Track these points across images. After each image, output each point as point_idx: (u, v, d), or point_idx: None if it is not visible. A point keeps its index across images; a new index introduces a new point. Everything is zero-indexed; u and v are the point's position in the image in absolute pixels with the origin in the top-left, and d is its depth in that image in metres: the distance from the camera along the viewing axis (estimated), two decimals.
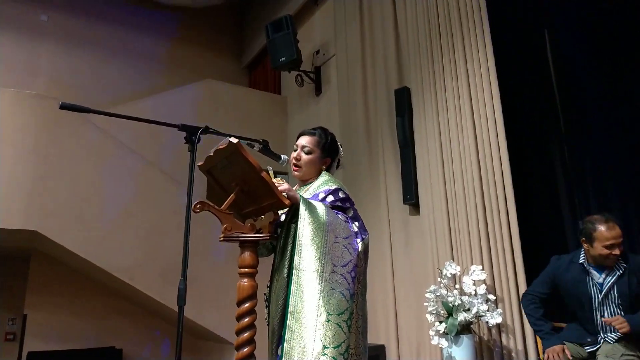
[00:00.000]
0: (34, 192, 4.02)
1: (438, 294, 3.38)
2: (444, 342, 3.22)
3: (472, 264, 3.48)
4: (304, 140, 1.98)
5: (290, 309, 1.60)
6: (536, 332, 2.69)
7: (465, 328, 3.24)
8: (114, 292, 5.03)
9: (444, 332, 3.25)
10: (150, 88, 6.31)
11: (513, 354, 3.25)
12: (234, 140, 1.61)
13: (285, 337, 1.59)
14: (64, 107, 1.39)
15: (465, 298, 3.26)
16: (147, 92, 6.11)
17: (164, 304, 4.38)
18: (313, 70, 5.89)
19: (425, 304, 3.45)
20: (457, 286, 3.41)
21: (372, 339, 4.19)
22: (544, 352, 2.56)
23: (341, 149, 2.08)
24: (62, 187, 4.14)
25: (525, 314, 2.77)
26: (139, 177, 4.60)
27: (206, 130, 1.73)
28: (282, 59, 5.54)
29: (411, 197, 4.14)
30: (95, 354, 4.79)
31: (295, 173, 1.97)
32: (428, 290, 3.44)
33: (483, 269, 3.38)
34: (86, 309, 4.99)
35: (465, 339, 3.20)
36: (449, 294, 3.33)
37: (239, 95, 6.30)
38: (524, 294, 2.79)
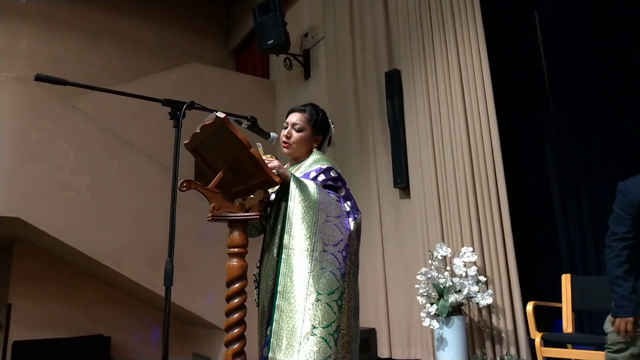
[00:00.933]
0: (15, 178, 3.90)
1: (429, 276, 3.38)
2: (435, 324, 3.22)
3: (462, 246, 3.48)
4: (295, 118, 1.91)
5: (279, 288, 1.56)
6: (612, 291, 2.20)
7: (456, 309, 3.25)
8: (101, 279, 4.95)
9: (435, 313, 3.25)
10: (135, 72, 6.16)
11: (503, 335, 3.27)
12: (220, 114, 1.55)
13: (274, 317, 1.55)
14: (39, 78, 1.31)
15: (456, 280, 3.26)
16: (132, 76, 5.97)
17: (153, 291, 4.32)
18: (301, 54, 5.80)
19: (417, 286, 3.45)
20: (448, 268, 3.41)
21: (363, 322, 4.17)
22: (614, 316, 2.17)
23: (332, 125, 2.03)
24: (44, 172, 4.03)
25: (607, 269, 2.26)
26: (124, 162, 4.50)
27: (191, 105, 1.66)
28: (270, 42, 5.44)
29: (402, 180, 4.12)
30: (83, 342, 4.71)
31: (285, 150, 1.91)
32: (419, 272, 3.44)
33: (474, 251, 3.38)
34: (73, 296, 4.90)
35: (456, 320, 3.21)
36: (439, 275, 3.33)
37: (226, 79, 6.19)
38: (606, 244, 2.24)
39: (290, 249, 1.57)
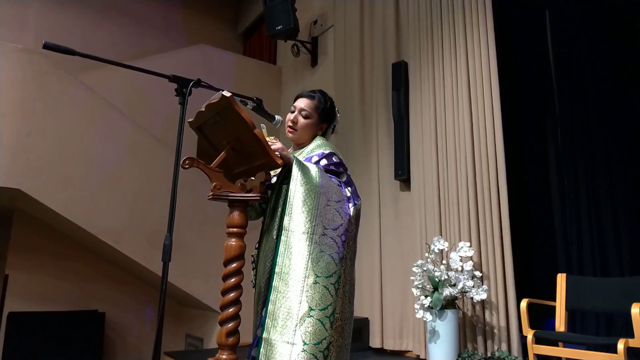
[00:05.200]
0: (18, 149, 3.91)
1: (425, 268, 3.39)
2: (428, 316, 3.24)
3: (460, 240, 3.48)
4: (303, 103, 1.90)
5: (277, 269, 1.56)
6: None
7: (450, 303, 3.27)
8: (98, 255, 4.98)
9: (428, 306, 3.26)
10: (141, 51, 6.14)
11: (495, 330, 3.29)
12: (226, 93, 1.55)
13: (270, 298, 1.55)
14: (47, 46, 1.31)
15: (451, 273, 3.27)
16: (138, 55, 5.94)
17: (149, 269, 4.35)
18: (310, 41, 5.77)
19: (412, 277, 3.46)
20: (444, 262, 3.42)
21: (356, 311, 4.18)
22: None
23: (338, 114, 2.03)
24: (48, 145, 4.04)
25: None
26: (128, 140, 4.50)
27: (198, 82, 1.66)
28: (279, 27, 5.41)
29: (403, 172, 4.12)
30: (77, 317, 4.75)
31: (290, 135, 1.91)
32: (415, 265, 3.45)
33: (471, 246, 3.38)
34: (70, 271, 4.93)
35: (449, 314, 3.22)
36: (435, 269, 3.34)
37: (233, 63, 6.17)
38: None
39: (290, 231, 1.58)
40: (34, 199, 3.94)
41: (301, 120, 1.88)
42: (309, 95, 1.92)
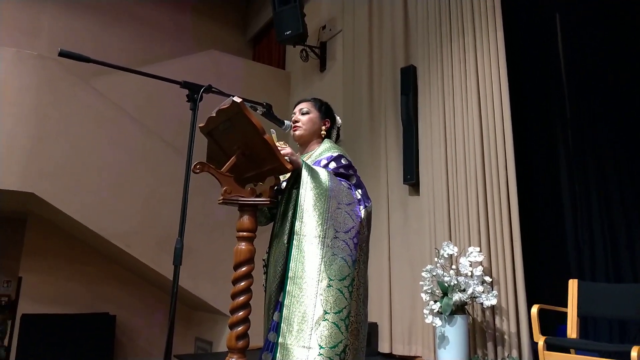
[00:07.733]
0: (32, 154, 3.97)
1: (434, 273, 3.38)
2: (437, 321, 3.23)
3: (469, 245, 3.47)
4: (301, 105, 1.99)
5: (290, 274, 1.57)
6: None
7: (459, 308, 3.25)
8: (109, 258, 5.03)
9: (438, 311, 3.25)
10: (152, 57, 6.21)
11: (505, 336, 3.26)
12: (237, 99, 1.56)
13: (285, 303, 1.56)
14: (63, 54, 1.34)
15: (461, 279, 3.25)
16: (148, 60, 6.02)
17: (160, 272, 4.39)
18: (318, 46, 5.79)
19: (421, 283, 3.45)
20: (454, 267, 3.40)
21: None
22: None
23: (339, 118, 2.06)
24: (60, 150, 4.10)
25: None
26: (138, 144, 4.55)
27: (209, 88, 1.68)
28: (288, 33, 5.44)
29: (411, 177, 4.11)
30: (89, 319, 4.81)
31: (296, 133, 1.94)
32: (424, 270, 3.44)
33: (480, 251, 3.37)
34: (82, 274, 4.99)
35: (459, 319, 3.21)
36: (445, 274, 3.33)
37: (243, 68, 6.22)
38: None
39: (302, 235, 1.59)
40: (47, 202, 4.00)
41: (303, 117, 1.94)
42: (305, 99, 2.01)
